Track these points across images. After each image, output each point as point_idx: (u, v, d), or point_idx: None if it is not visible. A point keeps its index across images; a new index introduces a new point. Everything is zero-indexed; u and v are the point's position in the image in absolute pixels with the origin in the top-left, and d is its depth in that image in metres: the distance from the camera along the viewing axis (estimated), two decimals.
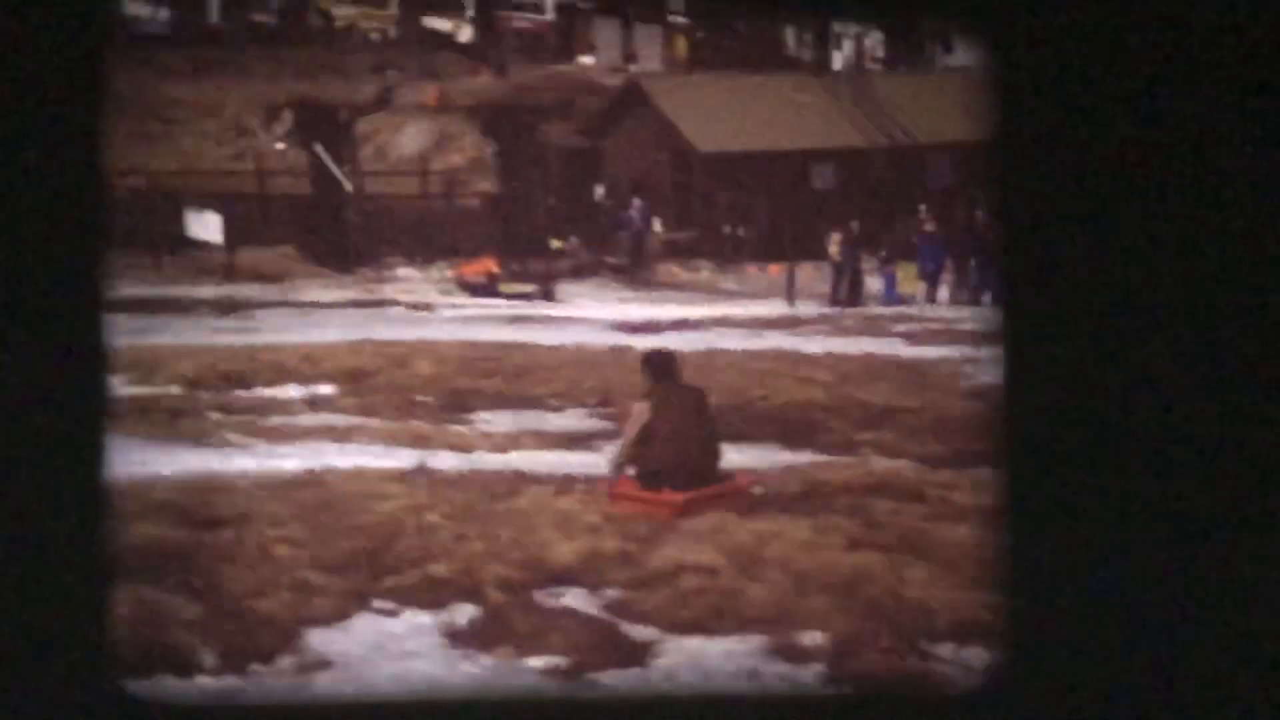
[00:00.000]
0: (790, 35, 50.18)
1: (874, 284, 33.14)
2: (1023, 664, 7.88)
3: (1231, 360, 7.85)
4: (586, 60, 52.15)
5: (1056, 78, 7.82)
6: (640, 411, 12.31)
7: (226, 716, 9.32)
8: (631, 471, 12.51)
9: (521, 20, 55.32)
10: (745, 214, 37.68)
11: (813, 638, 10.29)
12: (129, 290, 29.46)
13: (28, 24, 7.79)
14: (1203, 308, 7.85)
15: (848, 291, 32.22)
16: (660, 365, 12.54)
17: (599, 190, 38.42)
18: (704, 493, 12.22)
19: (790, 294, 32.71)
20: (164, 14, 53.42)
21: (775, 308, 31.30)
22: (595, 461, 16.43)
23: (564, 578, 11.51)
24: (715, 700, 9.54)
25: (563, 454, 16.73)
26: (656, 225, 37.61)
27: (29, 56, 7.80)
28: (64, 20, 7.85)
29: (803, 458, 16.29)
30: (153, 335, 24.05)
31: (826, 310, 30.73)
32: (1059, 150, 7.84)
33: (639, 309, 30.18)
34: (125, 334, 24.13)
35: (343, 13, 57.01)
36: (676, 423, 12.09)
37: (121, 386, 20.30)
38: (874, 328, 27.17)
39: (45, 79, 7.84)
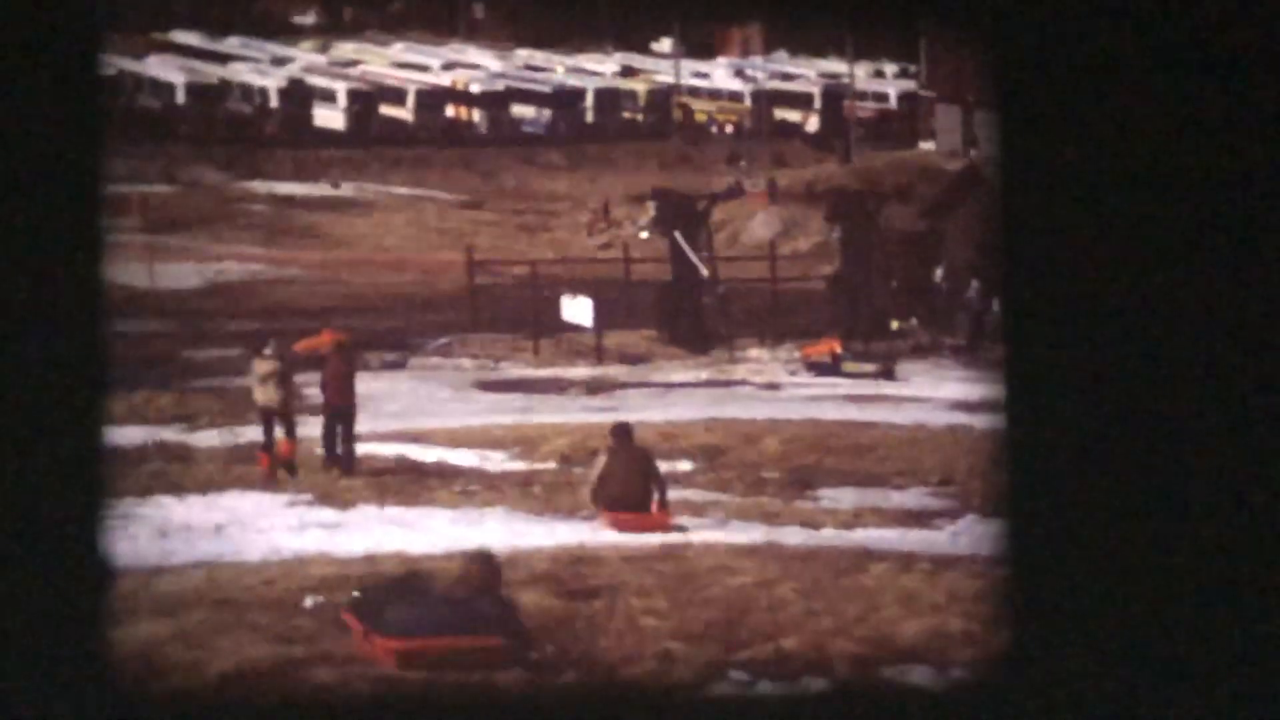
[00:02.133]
0: None
1: None
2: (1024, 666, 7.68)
3: (1230, 391, 7.53)
4: (928, 146, 51.97)
5: (1057, 90, 7.54)
6: (599, 461, 17.03)
7: (224, 716, 9.26)
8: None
9: (866, 109, 55.47)
10: None
11: None
12: (512, 372, 30.41)
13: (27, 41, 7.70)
14: (1208, 334, 7.56)
15: None
16: (620, 431, 17.24)
17: (938, 272, 38.18)
18: (631, 515, 16.37)
19: None
20: (545, 115, 55.00)
21: None
22: (938, 539, 16.39)
23: (910, 655, 11.50)
24: (720, 699, 9.49)
25: (905, 531, 16.73)
26: (995, 306, 37.28)
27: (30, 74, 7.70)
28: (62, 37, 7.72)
29: None
30: (532, 414, 24.79)
31: None
32: (1063, 182, 7.58)
33: (977, 389, 29.93)
34: (509, 413, 24.98)
35: (701, 107, 57.95)
36: (622, 471, 16.60)
37: (504, 463, 21.05)
38: None
39: (49, 104, 7.69)
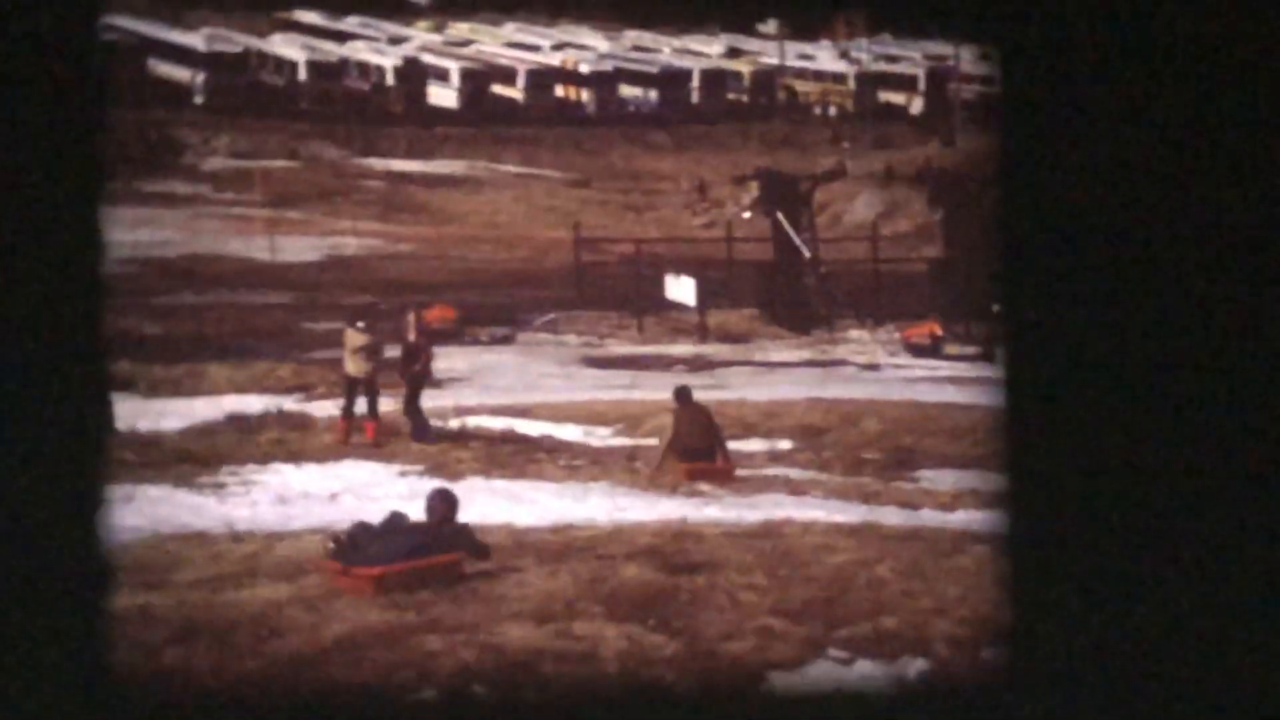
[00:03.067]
0: None
1: None
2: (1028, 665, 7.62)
3: (1229, 377, 7.43)
4: None
5: (1063, 92, 7.47)
6: (669, 421, 18.69)
7: (222, 714, 9.28)
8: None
9: (971, 91, 55.10)
10: None
11: None
12: (617, 349, 30.53)
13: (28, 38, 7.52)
14: (1211, 324, 7.47)
15: None
16: (682, 394, 18.97)
17: None
18: (702, 465, 18.24)
19: None
20: (653, 95, 55.06)
21: None
22: None
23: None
24: (724, 700, 9.45)
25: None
26: None
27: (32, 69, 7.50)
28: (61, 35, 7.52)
29: None
30: (635, 390, 24.90)
31: None
32: (1064, 165, 7.51)
33: None
34: (613, 389, 25.12)
35: (806, 89, 57.75)
36: (689, 428, 18.43)
37: (608, 438, 21.18)
38: None
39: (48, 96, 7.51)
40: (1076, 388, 7.65)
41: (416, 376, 20.04)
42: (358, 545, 13.06)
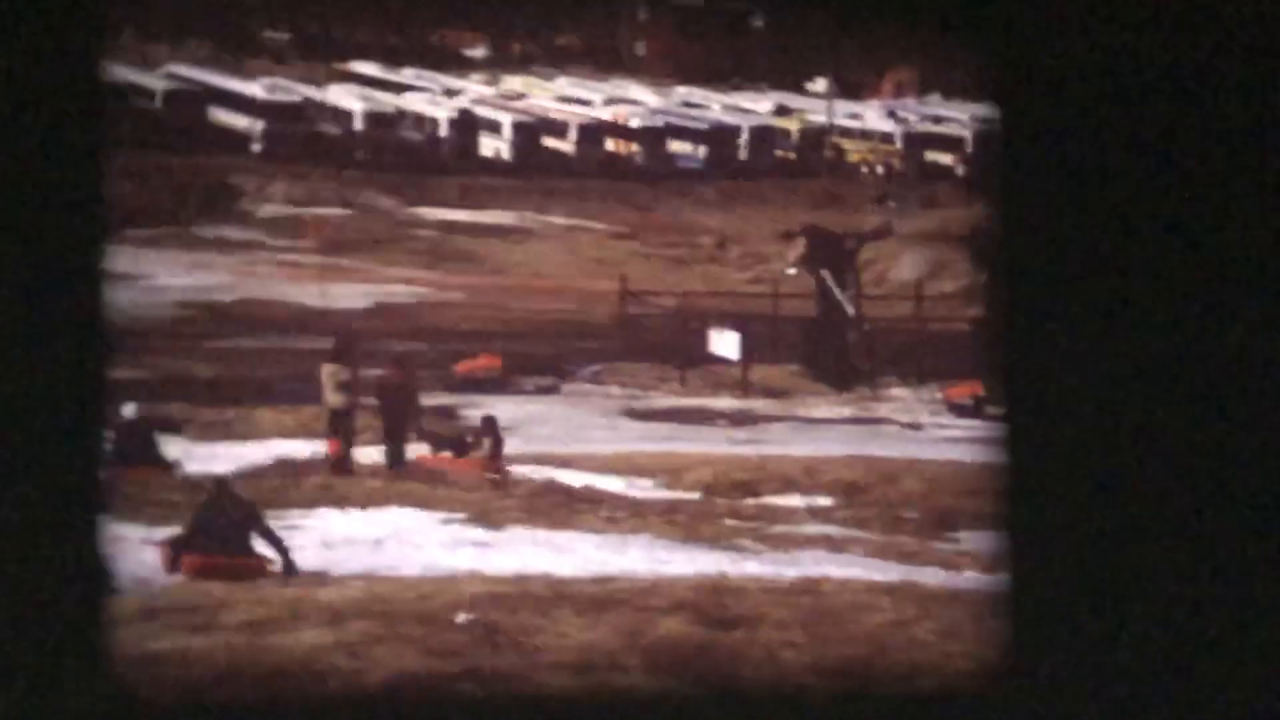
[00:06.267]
0: None
1: None
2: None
3: (1231, 403, 7.38)
4: None
5: (1061, 148, 7.45)
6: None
7: (222, 716, 9.23)
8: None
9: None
10: None
11: None
12: (660, 402, 30.55)
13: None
14: (1210, 344, 7.42)
15: None
16: (487, 420, 22.26)
17: None
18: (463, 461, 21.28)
19: None
20: (701, 151, 55.18)
21: None
22: None
23: None
24: (727, 698, 9.40)
25: None
26: None
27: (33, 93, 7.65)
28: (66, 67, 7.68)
29: None
30: (677, 443, 24.90)
31: None
32: (1061, 221, 7.48)
33: None
34: (655, 441, 25.12)
35: (853, 148, 57.80)
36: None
37: (650, 490, 21.17)
38: None
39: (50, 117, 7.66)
40: (1077, 443, 7.65)
41: (395, 413, 21.02)
42: (194, 529, 15.14)
